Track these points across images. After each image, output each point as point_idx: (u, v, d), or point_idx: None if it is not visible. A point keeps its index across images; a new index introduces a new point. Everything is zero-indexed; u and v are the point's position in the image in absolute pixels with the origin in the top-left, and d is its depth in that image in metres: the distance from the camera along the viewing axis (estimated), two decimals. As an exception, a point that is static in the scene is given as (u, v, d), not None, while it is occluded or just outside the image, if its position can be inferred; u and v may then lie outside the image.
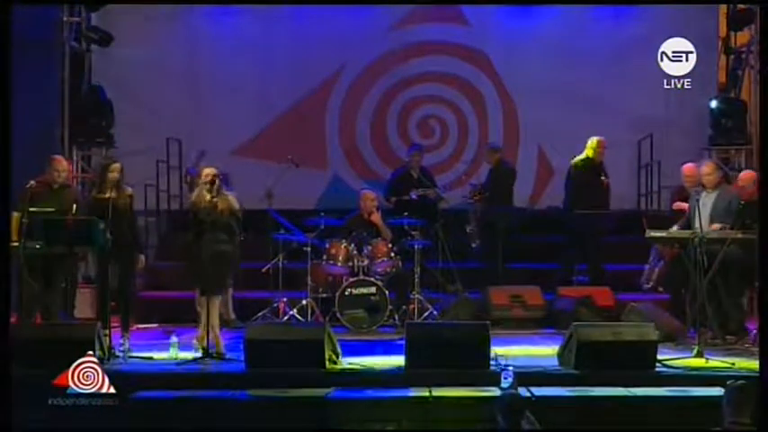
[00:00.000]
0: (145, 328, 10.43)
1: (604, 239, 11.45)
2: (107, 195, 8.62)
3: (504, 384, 7.24)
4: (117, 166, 8.98)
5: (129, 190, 9.13)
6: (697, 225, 8.80)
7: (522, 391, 7.44)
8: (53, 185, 9.13)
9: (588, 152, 11.22)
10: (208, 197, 8.50)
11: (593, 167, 11.23)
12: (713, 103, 12.44)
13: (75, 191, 9.64)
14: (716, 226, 8.92)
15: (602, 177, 11.25)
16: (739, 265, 8.95)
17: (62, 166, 9.27)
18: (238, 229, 8.75)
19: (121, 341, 8.62)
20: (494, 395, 7.31)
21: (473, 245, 11.17)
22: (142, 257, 9.06)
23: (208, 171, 8.64)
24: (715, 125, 12.55)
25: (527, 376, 7.75)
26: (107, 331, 8.53)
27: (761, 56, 10.35)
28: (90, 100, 12.64)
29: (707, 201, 9.19)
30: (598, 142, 11.19)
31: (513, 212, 11.79)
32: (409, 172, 11.64)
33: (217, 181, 8.51)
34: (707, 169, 9.40)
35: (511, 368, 7.42)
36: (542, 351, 8.85)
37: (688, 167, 10.11)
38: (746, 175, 9.55)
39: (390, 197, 11.59)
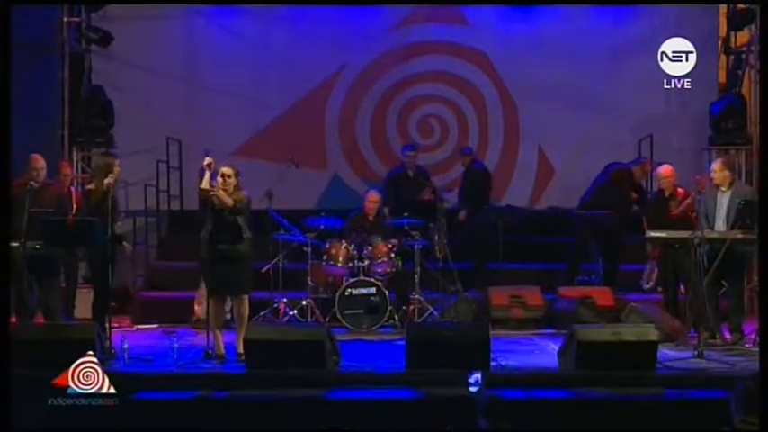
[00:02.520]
0: (145, 328, 10.43)
1: (622, 240, 11.41)
2: (108, 192, 8.65)
3: (472, 389, 7.23)
4: (118, 161, 9.00)
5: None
6: (719, 225, 8.87)
7: (523, 392, 7.47)
8: (33, 185, 9.06)
9: (635, 170, 11.24)
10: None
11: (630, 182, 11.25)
12: (714, 110, 12.43)
13: (58, 189, 9.51)
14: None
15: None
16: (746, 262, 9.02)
17: (39, 165, 9.17)
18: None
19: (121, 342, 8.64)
20: (494, 395, 7.33)
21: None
22: (126, 244, 9.09)
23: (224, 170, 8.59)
24: (715, 125, 12.55)
25: (527, 377, 7.77)
26: (106, 333, 8.57)
27: (761, 56, 10.35)
28: (90, 100, 12.64)
29: (723, 200, 9.19)
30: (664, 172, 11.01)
31: (507, 212, 11.79)
32: (405, 172, 11.63)
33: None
34: (715, 167, 9.40)
35: (478, 373, 7.41)
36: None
37: (666, 168, 10.11)
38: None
39: (387, 199, 11.54)
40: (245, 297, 8.61)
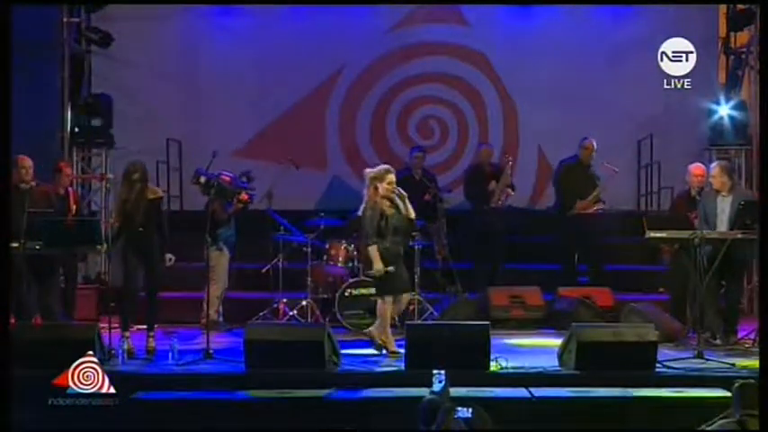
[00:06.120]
0: (145, 328, 10.41)
1: (604, 240, 11.40)
2: (126, 198, 8.70)
3: (436, 388, 7.23)
4: (136, 168, 8.95)
5: (160, 192, 9.27)
6: (721, 229, 8.86)
7: (523, 391, 7.47)
8: (20, 186, 9.00)
9: (582, 155, 11.23)
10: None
11: (582, 168, 11.24)
12: (714, 118, 12.41)
13: (46, 189, 9.41)
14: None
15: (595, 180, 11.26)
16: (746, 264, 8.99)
17: (27, 163, 9.13)
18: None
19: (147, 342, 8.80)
20: (493, 396, 7.33)
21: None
22: (169, 256, 8.99)
23: (392, 178, 8.78)
24: (714, 126, 12.54)
25: (527, 377, 7.77)
26: (127, 333, 8.69)
27: (761, 56, 10.34)
28: (90, 100, 12.64)
29: (724, 205, 9.16)
30: (590, 145, 11.19)
31: (510, 213, 11.76)
32: (411, 174, 11.61)
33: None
34: (712, 173, 9.34)
35: (443, 372, 7.40)
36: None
37: (698, 167, 10.00)
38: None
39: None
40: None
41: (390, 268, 8.71)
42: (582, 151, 11.24)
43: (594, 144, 11.25)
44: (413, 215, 8.91)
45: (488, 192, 11.36)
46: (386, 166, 9.01)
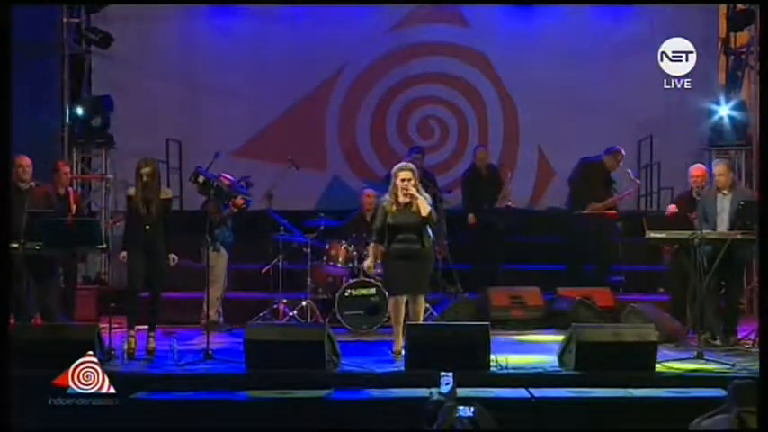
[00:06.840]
0: (145, 328, 10.40)
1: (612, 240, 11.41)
2: (135, 195, 8.70)
3: (444, 389, 7.23)
4: (147, 164, 8.91)
5: (170, 193, 9.24)
6: (721, 228, 8.85)
7: (523, 391, 7.47)
8: (20, 186, 9.00)
9: (607, 161, 11.20)
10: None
11: (603, 171, 11.23)
12: (714, 118, 12.41)
13: (47, 190, 9.37)
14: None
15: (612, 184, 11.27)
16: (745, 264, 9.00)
17: (26, 162, 9.12)
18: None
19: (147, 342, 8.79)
20: (493, 396, 7.33)
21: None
22: (173, 256, 8.93)
23: (404, 175, 8.62)
24: (714, 126, 12.54)
25: (527, 377, 7.76)
26: (132, 331, 8.67)
27: (761, 57, 10.35)
28: (90, 101, 12.65)
29: (724, 203, 9.16)
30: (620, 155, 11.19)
31: (510, 213, 11.77)
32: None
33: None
34: (719, 170, 9.31)
35: (450, 374, 7.40)
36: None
37: (699, 168, 10.00)
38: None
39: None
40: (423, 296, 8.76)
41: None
42: (610, 157, 11.17)
43: (623, 154, 11.22)
44: (425, 213, 8.60)
45: (486, 195, 11.43)
46: (402, 163, 8.88)
